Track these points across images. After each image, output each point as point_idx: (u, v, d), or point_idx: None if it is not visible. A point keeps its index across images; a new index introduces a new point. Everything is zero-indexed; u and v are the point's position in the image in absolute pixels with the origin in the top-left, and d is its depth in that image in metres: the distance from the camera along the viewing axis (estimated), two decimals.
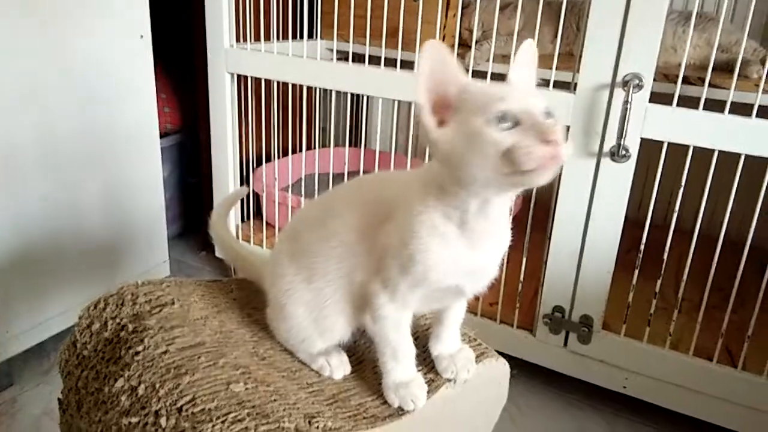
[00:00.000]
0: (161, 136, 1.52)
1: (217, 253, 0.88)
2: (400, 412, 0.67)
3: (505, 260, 1.24)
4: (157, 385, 0.64)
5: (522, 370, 1.31)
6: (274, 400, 0.64)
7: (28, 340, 1.27)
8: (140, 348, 0.70)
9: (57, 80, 1.23)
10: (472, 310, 1.31)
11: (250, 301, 0.84)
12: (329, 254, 0.68)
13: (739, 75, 1.01)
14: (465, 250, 0.60)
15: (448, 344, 0.73)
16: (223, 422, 0.59)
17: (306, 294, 0.70)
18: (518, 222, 1.28)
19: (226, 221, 0.97)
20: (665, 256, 1.11)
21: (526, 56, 0.62)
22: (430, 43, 0.56)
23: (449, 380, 0.72)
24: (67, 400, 0.77)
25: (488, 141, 0.53)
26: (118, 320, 0.76)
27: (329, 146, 1.44)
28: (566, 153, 0.52)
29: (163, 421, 0.61)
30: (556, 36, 1.35)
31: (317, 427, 0.62)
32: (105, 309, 0.79)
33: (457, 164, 0.57)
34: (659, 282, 1.12)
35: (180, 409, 0.61)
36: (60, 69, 1.23)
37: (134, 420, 0.63)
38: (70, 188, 1.30)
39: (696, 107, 1.02)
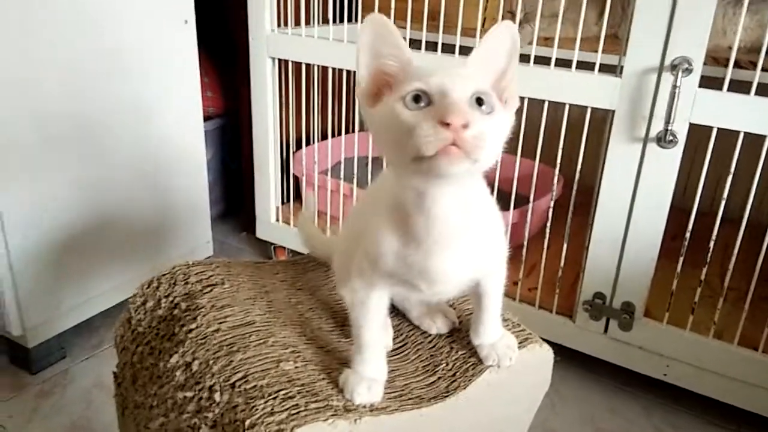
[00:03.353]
0: (204, 120, 1.54)
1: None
2: (445, 394, 0.68)
3: (545, 245, 1.25)
4: (211, 362, 0.67)
5: (560, 355, 1.30)
6: (323, 379, 0.66)
7: (77, 315, 1.32)
8: (193, 326, 0.72)
9: (102, 66, 1.25)
10: (510, 295, 1.31)
11: (295, 282, 0.86)
12: (355, 237, 0.70)
13: None
14: (409, 249, 0.59)
15: (486, 336, 0.72)
16: (274, 399, 0.61)
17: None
18: (559, 206, 1.28)
19: (314, 221, 1.00)
20: (711, 244, 1.09)
21: (496, 40, 0.55)
22: (372, 16, 0.53)
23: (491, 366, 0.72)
24: (122, 374, 0.80)
25: (395, 118, 0.51)
26: (171, 299, 0.79)
27: (368, 130, 1.44)
28: (469, 138, 0.48)
29: (217, 396, 0.63)
30: (601, 17, 1.33)
31: (364, 406, 0.63)
32: (158, 288, 0.81)
33: (378, 144, 0.56)
34: (704, 270, 1.10)
35: (233, 385, 0.63)
36: (104, 54, 1.25)
37: (189, 394, 0.65)
38: (117, 170, 1.33)
39: (747, 92, 1.00)
